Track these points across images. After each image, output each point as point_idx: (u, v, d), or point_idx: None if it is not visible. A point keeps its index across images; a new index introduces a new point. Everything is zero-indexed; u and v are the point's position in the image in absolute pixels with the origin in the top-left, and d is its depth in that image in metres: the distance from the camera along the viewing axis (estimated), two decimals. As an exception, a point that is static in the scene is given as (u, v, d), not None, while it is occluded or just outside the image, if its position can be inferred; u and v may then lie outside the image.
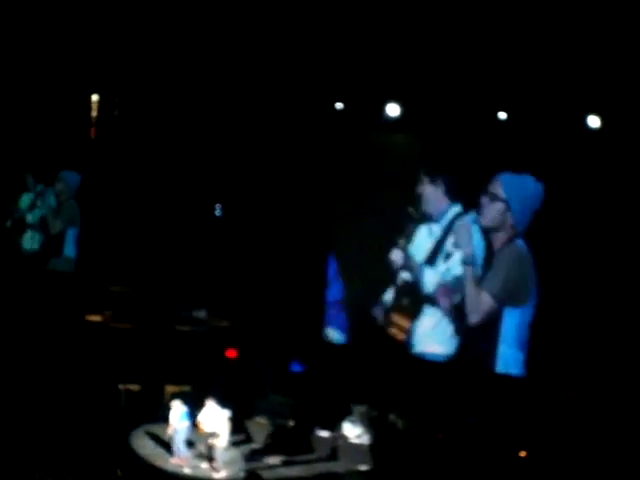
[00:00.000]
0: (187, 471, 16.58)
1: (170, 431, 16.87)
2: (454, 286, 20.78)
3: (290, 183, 22.97)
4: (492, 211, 20.36)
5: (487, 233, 20.47)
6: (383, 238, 21.76)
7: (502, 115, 20.00)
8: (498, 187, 20.33)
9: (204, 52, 22.35)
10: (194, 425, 16.99)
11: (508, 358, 20.18)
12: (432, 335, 21.15)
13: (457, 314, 20.76)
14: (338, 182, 22.45)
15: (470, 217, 20.71)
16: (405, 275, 21.56)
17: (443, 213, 21.10)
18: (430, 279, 21.18)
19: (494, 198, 20.31)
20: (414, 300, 21.37)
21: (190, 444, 17.19)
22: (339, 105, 21.79)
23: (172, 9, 21.82)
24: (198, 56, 22.52)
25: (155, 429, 17.89)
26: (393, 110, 20.92)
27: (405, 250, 21.50)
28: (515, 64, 19.25)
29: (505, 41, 19.04)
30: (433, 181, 21.13)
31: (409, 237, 21.49)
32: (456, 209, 20.94)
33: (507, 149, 20.44)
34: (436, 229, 21.21)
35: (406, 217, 21.46)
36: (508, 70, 19.35)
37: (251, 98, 22.74)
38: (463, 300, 20.64)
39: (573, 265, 19.41)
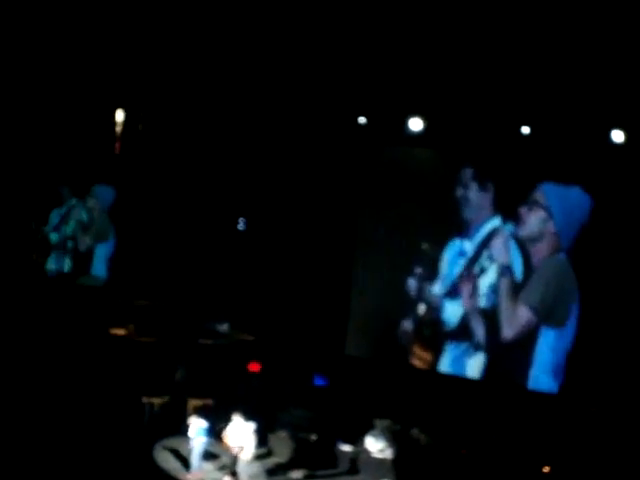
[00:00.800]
0: (208, 485, 16.62)
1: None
2: (484, 310, 20.26)
3: (313, 198, 23.04)
4: (532, 219, 19.62)
5: (526, 245, 19.72)
6: (401, 261, 21.43)
7: (525, 130, 19.92)
8: (539, 195, 19.60)
9: (228, 68, 22.52)
10: (218, 439, 17.04)
11: (540, 383, 19.62)
12: (456, 367, 20.78)
13: (487, 337, 20.22)
14: (361, 197, 22.47)
15: (508, 228, 20.03)
16: (423, 307, 21.15)
17: (480, 225, 20.39)
18: (453, 312, 20.70)
19: (534, 206, 19.58)
20: (435, 333, 20.97)
21: (214, 457, 17.22)
22: (362, 119, 21.87)
23: (196, 26, 22.02)
24: (222, 72, 22.70)
25: (177, 443, 17.92)
26: (416, 125, 20.96)
27: (421, 282, 21.09)
28: (536, 78, 19.27)
29: (529, 55, 19.06)
30: (483, 187, 20.39)
31: (426, 270, 21.09)
32: (495, 222, 20.23)
33: (546, 160, 19.78)
34: (469, 247, 20.63)
35: (422, 251, 21.11)
36: (531, 84, 19.35)
37: (275, 113, 22.87)
38: (497, 317, 20.04)
39: (618, 288, 18.79)
